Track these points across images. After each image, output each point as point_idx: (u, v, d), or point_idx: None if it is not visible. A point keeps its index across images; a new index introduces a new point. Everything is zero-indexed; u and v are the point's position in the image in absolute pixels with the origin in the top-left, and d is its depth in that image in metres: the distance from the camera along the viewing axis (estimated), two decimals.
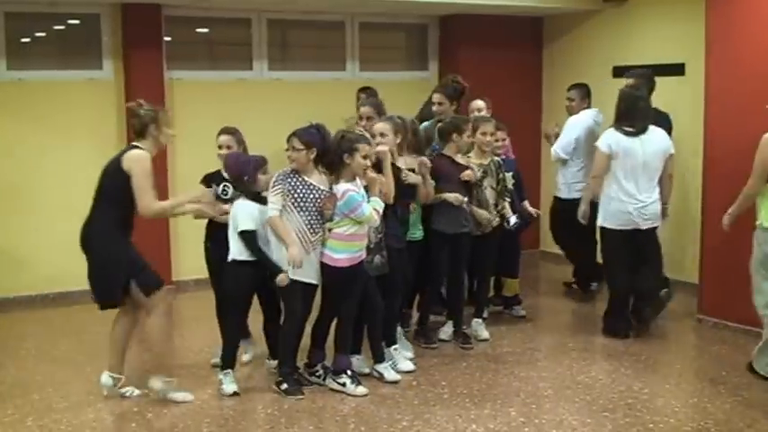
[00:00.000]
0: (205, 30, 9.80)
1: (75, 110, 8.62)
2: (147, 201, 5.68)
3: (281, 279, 5.92)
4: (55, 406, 5.98)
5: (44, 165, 8.59)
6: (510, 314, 8.10)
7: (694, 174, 8.01)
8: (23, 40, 8.79)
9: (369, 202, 6.04)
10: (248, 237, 5.94)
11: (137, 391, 6.09)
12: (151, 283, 5.88)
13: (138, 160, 5.70)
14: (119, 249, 5.78)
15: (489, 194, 7.23)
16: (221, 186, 6.34)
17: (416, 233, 6.85)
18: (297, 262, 5.92)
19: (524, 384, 6.32)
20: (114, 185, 5.73)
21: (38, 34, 9.01)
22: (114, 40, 8.93)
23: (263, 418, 5.79)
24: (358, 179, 6.10)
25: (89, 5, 8.84)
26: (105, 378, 6.04)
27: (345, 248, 6.06)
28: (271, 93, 8.71)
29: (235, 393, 6.07)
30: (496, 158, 7.39)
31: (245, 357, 6.67)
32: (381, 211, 6.10)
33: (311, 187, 6.00)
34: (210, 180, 6.43)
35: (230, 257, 6.04)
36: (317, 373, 6.32)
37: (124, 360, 6.11)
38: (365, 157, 6.02)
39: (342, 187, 6.00)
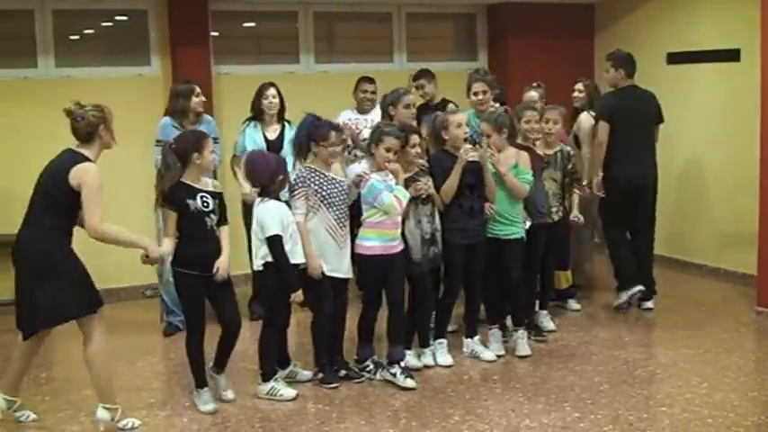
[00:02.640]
0: (252, 24, 9.79)
1: (124, 106, 8.50)
2: (96, 219, 5.25)
3: (295, 296, 5.87)
4: None
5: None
6: (564, 307, 7.97)
7: (750, 163, 7.83)
8: (71, 37, 8.83)
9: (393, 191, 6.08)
10: (276, 242, 5.77)
11: (32, 415, 5.67)
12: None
13: (90, 173, 5.30)
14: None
15: (549, 185, 7.10)
16: (199, 198, 5.66)
17: (511, 230, 6.67)
18: (316, 275, 5.96)
19: (579, 379, 6.21)
20: (60, 197, 5.34)
21: (85, 31, 9.05)
22: (161, 35, 8.96)
23: (314, 413, 5.74)
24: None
25: (136, 1, 8.87)
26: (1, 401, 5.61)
27: (377, 236, 6.09)
28: (318, 85, 8.67)
29: (297, 395, 5.99)
30: (567, 147, 7.24)
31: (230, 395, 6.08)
32: (405, 201, 6.08)
33: (334, 182, 6.04)
34: (178, 195, 5.64)
35: (262, 261, 5.87)
36: (368, 368, 6.28)
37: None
38: (388, 150, 6.08)
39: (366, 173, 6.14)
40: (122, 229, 5.46)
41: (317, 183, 5.97)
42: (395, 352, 6.26)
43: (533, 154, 6.88)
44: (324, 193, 5.97)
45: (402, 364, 6.22)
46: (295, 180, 5.99)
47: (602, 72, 10.35)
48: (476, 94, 7.30)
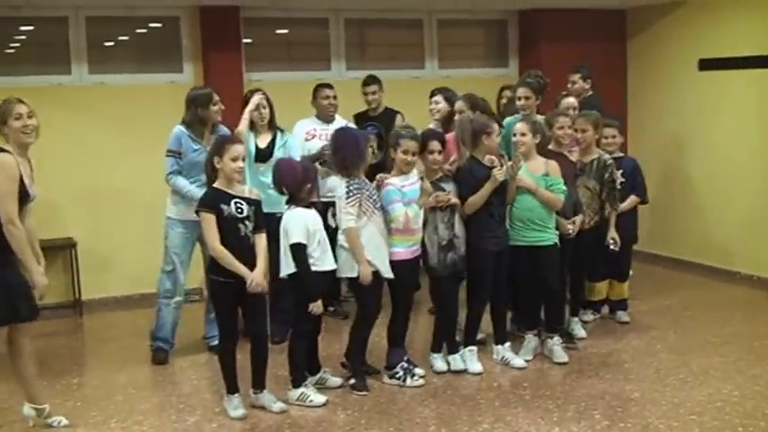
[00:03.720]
0: (283, 30, 9.83)
1: (156, 113, 8.67)
2: (6, 210, 5.17)
3: (313, 307, 5.85)
4: (138, 407, 6.04)
5: (126, 167, 8.70)
6: (613, 319, 7.78)
7: None
8: (105, 43, 8.92)
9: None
10: (298, 250, 5.77)
11: (64, 421, 5.68)
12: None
13: (1, 166, 5.21)
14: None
15: (582, 193, 7.00)
16: (233, 204, 5.64)
17: (543, 236, 6.60)
18: (367, 282, 6.01)
19: (610, 387, 6.17)
20: None
21: (119, 38, 9.12)
22: (194, 42, 9.03)
23: (343, 419, 5.75)
24: (415, 173, 6.23)
25: (169, 9, 8.95)
26: (27, 409, 5.64)
27: (400, 242, 6.16)
28: (350, 92, 8.65)
29: (327, 402, 5.99)
30: (606, 156, 7.15)
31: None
32: (414, 218, 6.14)
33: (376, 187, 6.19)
34: (212, 199, 5.67)
35: (288, 271, 5.86)
36: (397, 375, 6.29)
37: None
38: (406, 152, 6.13)
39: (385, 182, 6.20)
40: (25, 240, 5.28)
41: (368, 189, 6.07)
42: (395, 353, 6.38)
43: (565, 160, 6.85)
44: (374, 197, 6.09)
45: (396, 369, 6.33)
46: (351, 187, 6.00)
47: (634, 78, 10.40)
48: (519, 98, 7.27)
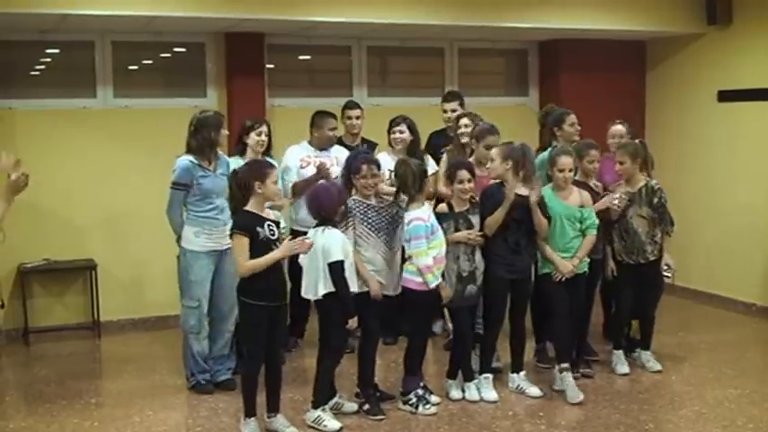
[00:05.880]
0: (306, 57, 9.91)
1: (180, 137, 8.66)
2: None
3: (352, 323, 5.89)
4: (154, 429, 6.10)
5: (148, 190, 8.74)
6: (630, 358, 7.45)
7: None
8: (130, 67, 9.02)
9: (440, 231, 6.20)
10: (338, 267, 5.79)
11: None
12: None
13: None
14: None
15: (638, 223, 6.91)
16: (266, 227, 5.70)
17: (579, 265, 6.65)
18: (378, 297, 6.10)
19: (624, 417, 6.18)
20: None
21: (144, 62, 9.23)
22: (218, 68, 9.11)
23: None
24: (427, 204, 6.28)
25: (194, 34, 9.04)
26: None
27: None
28: (371, 119, 8.73)
29: (341, 429, 5.98)
30: (653, 182, 7.03)
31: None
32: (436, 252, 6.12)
33: (377, 208, 6.22)
34: (248, 222, 5.68)
35: (325, 291, 5.85)
36: (411, 402, 6.31)
37: None
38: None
39: (411, 214, 6.14)
40: None
41: (361, 212, 6.13)
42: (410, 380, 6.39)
43: (591, 191, 6.86)
44: (370, 221, 6.14)
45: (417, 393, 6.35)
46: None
47: (653, 109, 10.41)
48: (572, 125, 7.39)
